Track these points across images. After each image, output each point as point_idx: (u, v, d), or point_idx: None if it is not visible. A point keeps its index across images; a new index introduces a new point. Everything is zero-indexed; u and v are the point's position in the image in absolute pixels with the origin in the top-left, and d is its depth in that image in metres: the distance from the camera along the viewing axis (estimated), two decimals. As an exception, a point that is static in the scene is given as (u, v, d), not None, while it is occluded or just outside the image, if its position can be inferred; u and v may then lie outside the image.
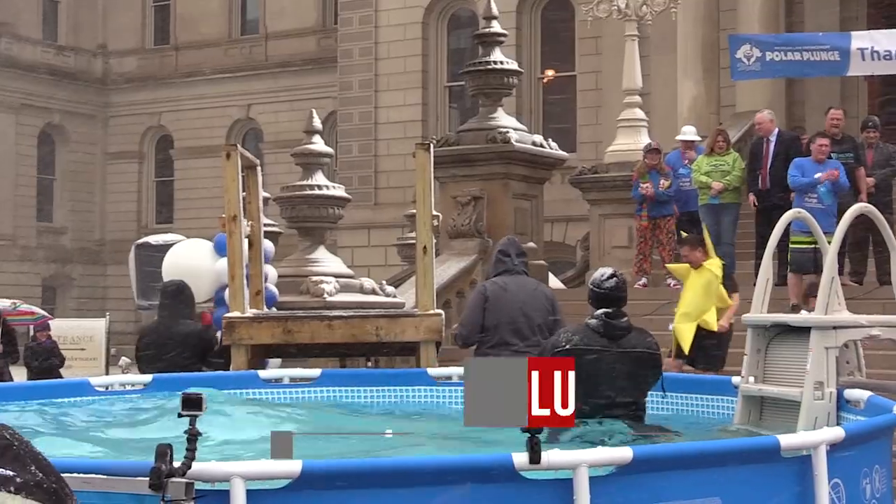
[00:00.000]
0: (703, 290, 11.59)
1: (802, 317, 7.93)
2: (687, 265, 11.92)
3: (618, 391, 6.86)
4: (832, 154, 14.93)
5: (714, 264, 11.70)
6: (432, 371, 8.98)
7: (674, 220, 16.95)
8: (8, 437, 1.88)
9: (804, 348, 6.90)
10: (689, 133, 17.76)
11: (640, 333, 7.14)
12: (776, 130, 16.35)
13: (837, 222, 9.79)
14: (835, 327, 6.93)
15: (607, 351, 6.91)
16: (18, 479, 1.82)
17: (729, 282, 12.08)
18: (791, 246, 14.00)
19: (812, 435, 4.86)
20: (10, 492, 1.81)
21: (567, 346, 6.84)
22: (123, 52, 46.99)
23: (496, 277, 9.50)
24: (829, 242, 7.85)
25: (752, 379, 7.25)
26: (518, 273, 9.47)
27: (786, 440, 4.65)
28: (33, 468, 1.86)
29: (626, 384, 6.93)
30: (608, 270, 7.31)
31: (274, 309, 12.46)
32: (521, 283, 9.42)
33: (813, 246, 13.39)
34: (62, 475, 1.95)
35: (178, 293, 10.14)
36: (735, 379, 7.51)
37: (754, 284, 8.12)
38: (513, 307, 9.25)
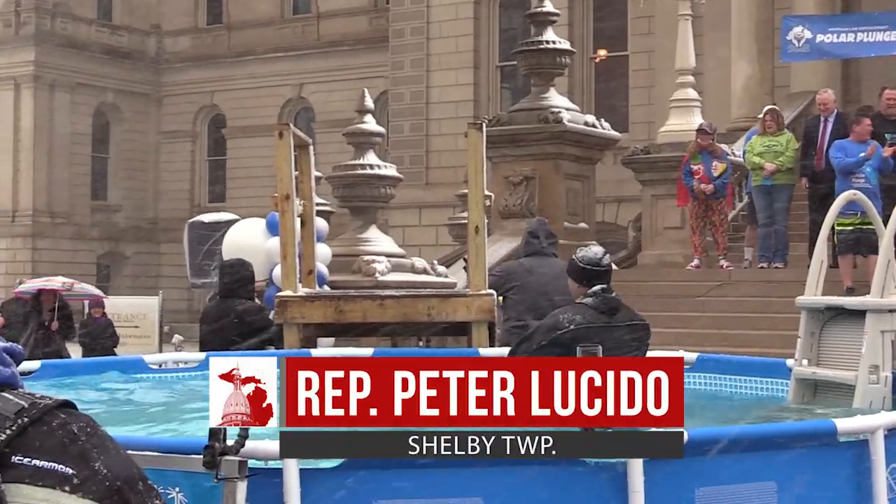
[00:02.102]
0: None
1: (858, 299, 7.85)
2: None
3: None
4: (887, 134, 14.74)
5: None
6: (484, 351, 8.98)
7: (728, 200, 16.74)
8: (76, 431, 1.86)
9: (859, 331, 6.83)
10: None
11: (628, 308, 7.13)
12: (836, 111, 16.19)
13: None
14: (891, 310, 6.85)
15: (609, 326, 6.89)
16: (76, 480, 1.81)
17: None
18: (836, 228, 13.79)
19: (870, 419, 4.80)
20: (65, 491, 1.81)
21: (571, 327, 6.81)
22: (177, 32, 47.22)
23: (523, 259, 9.84)
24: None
25: (805, 362, 7.19)
26: (546, 255, 9.72)
27: (843, 424, 4.60)
28: (98, 465, 1.85)
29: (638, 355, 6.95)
30: (596, 247, 7.29)
31: (327, 287, 12.50)
32: (548, 265, 9.68)
33: (859, 228, 13.26)
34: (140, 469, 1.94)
35: (234, 272, 10.16)
36: (789, 362, 7.45)
37: (808, 267, 8.05)
38: (536, 289, 9.53)
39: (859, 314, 6.92)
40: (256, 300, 10.85)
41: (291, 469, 3.87)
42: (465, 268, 11.87)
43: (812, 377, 7.17)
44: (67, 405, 1.91)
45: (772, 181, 15.85)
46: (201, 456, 3.70)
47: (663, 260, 17.86)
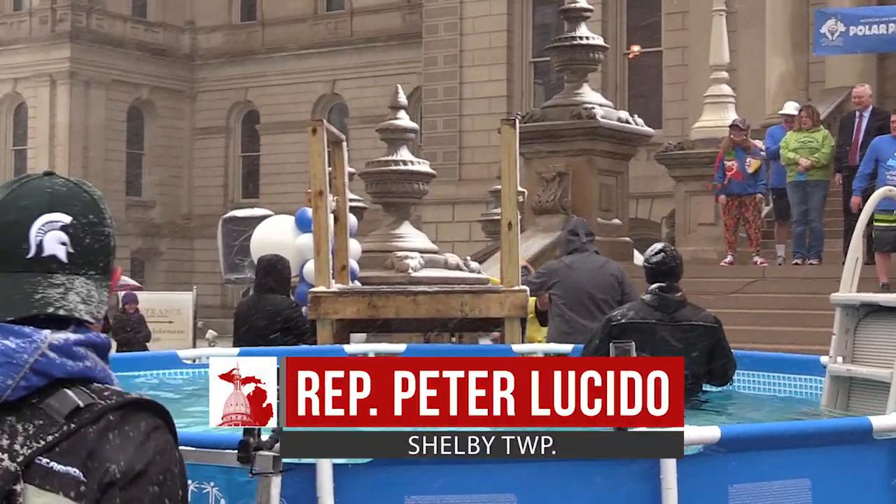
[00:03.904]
0: None
1: (893, 296, 7.79)
2: None
3: None
4: None
5: None
6: (517, 347, 8.97)
7: (761, 196, 16.64)
8: (113, 434, 1.81)
9: (895, 329, 6.79)
10: (790, 108, 17.42)
11: (694, 308, 7.21)
12: (871, 106, 16.08)
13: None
14: (927, 307, 6.80)
15: (661, 324, 6.97)
16: (83, 488, 1.77)
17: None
18: (874, 224, 13.69)
19: (904, 417, 4.78)
20: (69, 497, 1.77)
21: (622, 321, 6.97)
22: (211, 28, 47.40)
23: (565, 257, 10.09)
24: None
25: (840, 359, 7.15)
26: (586, 251, 9.96)
27: (878, 422, 4.57)
28: (112, 466, 1.80)
29: (682, 357, 6.95)
30: (658, 245, 7.43)
31: (357, 283, 12.52)
32: (588, 261, 9.93)
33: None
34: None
35: (268, 268, 10.19)
36: (823, 359, 7.41)
37: (843, 263, 8.00)
38: (577, 285, 9.75)
39: (895, 311, 6.88)
40: (291, 296, 10.89)
41: (325, 465, 3.89)
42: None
43: (846, 374, 7.13)
44: (136, 404, 1.88)
45: (806, 177, 15.76)
46: (236, 451, 3.72)
47: (697, 256, 17.79)
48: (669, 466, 4.00)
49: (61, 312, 1.89)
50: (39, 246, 1.90)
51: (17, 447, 1.78)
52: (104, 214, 1.99)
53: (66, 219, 1.92)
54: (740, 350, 8.39)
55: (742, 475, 4.24)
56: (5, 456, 1.77)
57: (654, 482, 4.02)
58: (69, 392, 1.84)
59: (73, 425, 1.80)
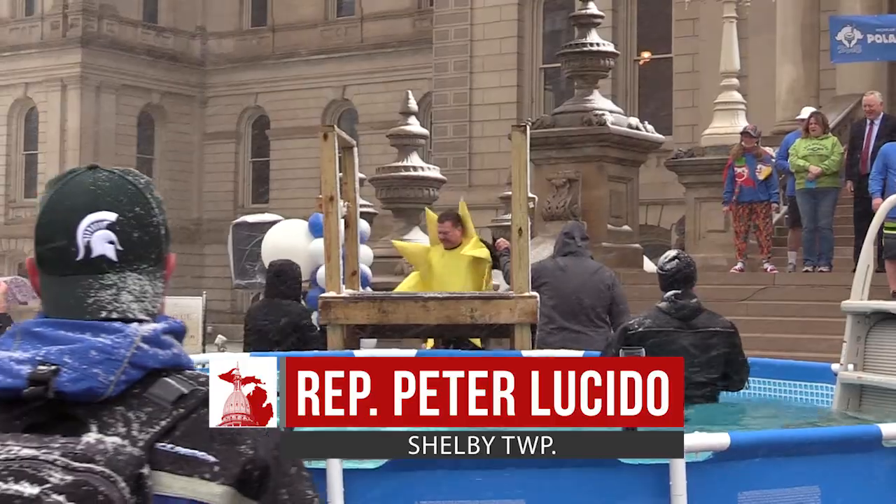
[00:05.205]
0: (473, 274, 10.51)
1: (904, 304, 7.78)
2: (423, 246, 10.92)
3: (692, 371, 6.91)
4: None
5: (478, 248, 10.50)
6: (527, 353, 8.98)
7: (773, 204, 16.61)
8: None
9: (906, 336, 6.78)
10: (806, 114, 17.36)
11: (711, 314, 7.22)
12: (882, 114, 16.07)
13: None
14: (938, 315, 6.80)
15: (679, 331, 6.98)
16: (217, 468, 1.83)
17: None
18: (885, 232, 13.67)
19: (914, 424, 4.77)
20: (204, 479, 1.82)
21: (640, 329, 6.97)
22: (221, 34, 47.50)
23: (559, 258, 10.00)
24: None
25: (851, 366, 7.14)
26: (582, 255, 9.94)
27: (888, 429, 4.57)
28: (244, 447, 1.88)
29: (701, 364, 6.98)
30: (672, 252, 7.44)
31: (369, 289, 12.53)
32: (582, 266, 9.91)
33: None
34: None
35: (279, 273, 10.21)
36: (834, 366, 7.41)
37: (854, 271, 8.00)
38: (567, 288, 9.74)
39: (906, 319, 6.87)
40: (302, 301, 10.91)
41: (335, 469, 3.90)
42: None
43: (857, 382, 7.13)
44: None
45: (816, 184, 15.74)
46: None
47: (707, 263, 17.78)
48: (679, 473, 4.00)
49: (114, 316, 1.90)
50: (88, 247, 1.90)
51: (134, 433, 1.82)
52: (151, 204, 1.99)
53: (112, 216, 1.92)
54: (750, 357, 8.39)
55: (752, 482, 4.24)
56: (126, 442, 1.80)
57: (664, 488, 4.03)
58: (169, 380, 1.89)
59: (182, 410, 1.86)
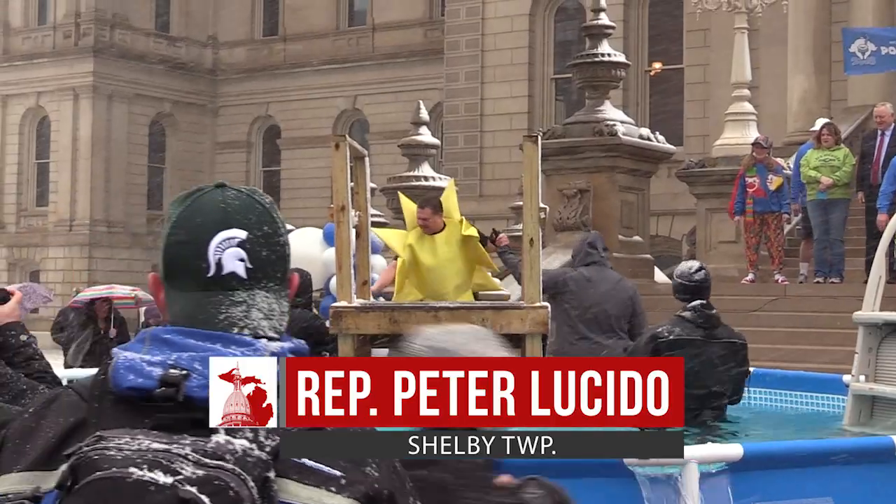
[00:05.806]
0: (464, 253, 10.28)
1: (916, 315, 7.76)
2: (401, 232, 10.76)
3: (715, 381, 6.96)
4: None
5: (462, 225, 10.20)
6: (538, 364, 8.97)
7: (785, 215, 16.56)
8: None
9: (918, 348, 6.78)
10: (820, 125, 17.32)
11: (726, 326, 7.28)
12: (893, 125, 16.04)
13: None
14: (950, 327, 6.79)
15: (706, 341, 7.02)
16: (343, 481, 1.87)
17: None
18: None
19: (927, 436, 4.76)
20: (330, 490, 1.85)
21: (670, 337, 7.01)
22: (233, 44, 47.59)
23: (582, 268, 9.90)
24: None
25: (863, 378, 7.14)
26: (604, 266, 9.92)
27: (900, 441, 4.57)
28: (369, 469, 1.93)
29: (722, 374, 7.03)
30: (695, 263, 7.50)
31: (382, 299, 12.54)
32: (605, 276, 9.86)
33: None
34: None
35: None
36: (845, 377, 7.41)
37: (865, 282, 7.99)
38: (592, 300, 9.67)
39: (917, 330, 6.87)
40: (313, 309, 10.91)
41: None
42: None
43: (869, 393, 7.12)
44: None
45: (827, 195, 15.71)
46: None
47: (718, 274, 17.72)
48: (692, 483, 4.00)
49: (246, 332, 1.92)
50: (219, 264, 1.91)
51: (261, 439, 1.87)
52: (277, 223, 1.99)
53: (242, 234, 1.93)
54: (761, 368, 8.40)
55: (765, 493, 4.24)
56: (254, 446, 1.84)
57: (676, 498, 4.03)
58: None
59: None
